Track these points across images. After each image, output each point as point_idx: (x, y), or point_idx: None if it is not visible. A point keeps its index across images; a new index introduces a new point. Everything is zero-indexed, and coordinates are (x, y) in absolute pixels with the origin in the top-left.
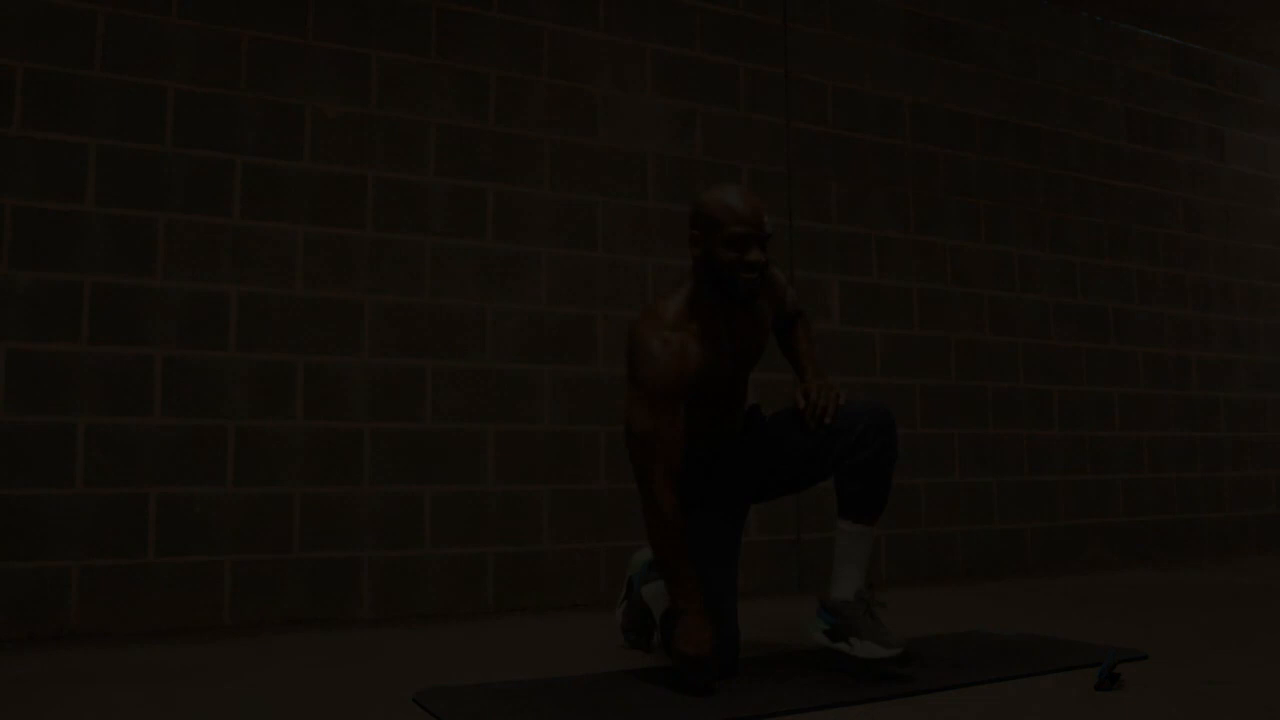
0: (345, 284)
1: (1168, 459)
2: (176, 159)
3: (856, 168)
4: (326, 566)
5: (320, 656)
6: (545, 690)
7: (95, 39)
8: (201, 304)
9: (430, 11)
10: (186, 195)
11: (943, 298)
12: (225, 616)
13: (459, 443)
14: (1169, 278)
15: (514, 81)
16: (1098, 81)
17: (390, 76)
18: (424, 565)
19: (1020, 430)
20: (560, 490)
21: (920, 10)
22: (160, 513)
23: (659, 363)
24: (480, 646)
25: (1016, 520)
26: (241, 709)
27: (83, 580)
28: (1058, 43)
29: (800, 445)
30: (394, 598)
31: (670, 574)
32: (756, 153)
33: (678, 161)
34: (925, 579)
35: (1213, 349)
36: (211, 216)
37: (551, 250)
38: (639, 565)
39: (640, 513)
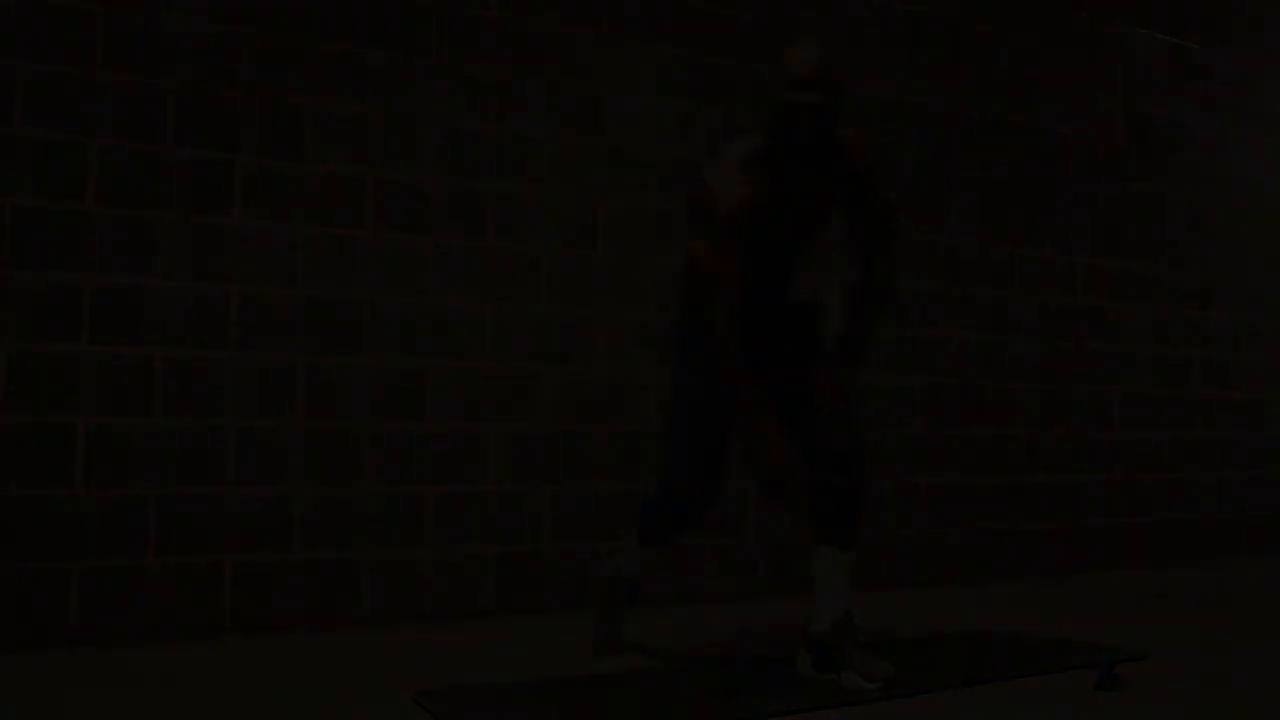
0: (345, 284)
1: (1168, 459)
2: (176, 159)
3: None
4: (326, 566)
5: (320, 657)
6: (545, 690)
7: (95, 39)
8: (201, 304)
9: (431, 11)
10: (186, 195)
11: (943, 298)
12: (225, 616)
13: (459, 443)
14: (1169, 278)
15: (514, 81)
16: (1098, 81)
17: (391, 76)
18: (424, 565)
19: (1020, 430)
20: (560, 490)
21: (920, 10)
22: (160, 513)
23: (719, 195)
24: (480, 646)
25: (1016, 520)
26: (241, 709)
27: (83, 580)
28: (1057, 43)
29: (792, 399)
30: (394, 598)
31: (739, 394)
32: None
33: (678, 162)
34: (925, 579)
35: (1213, 349)
36: (211, 216)
37: (552, 250)
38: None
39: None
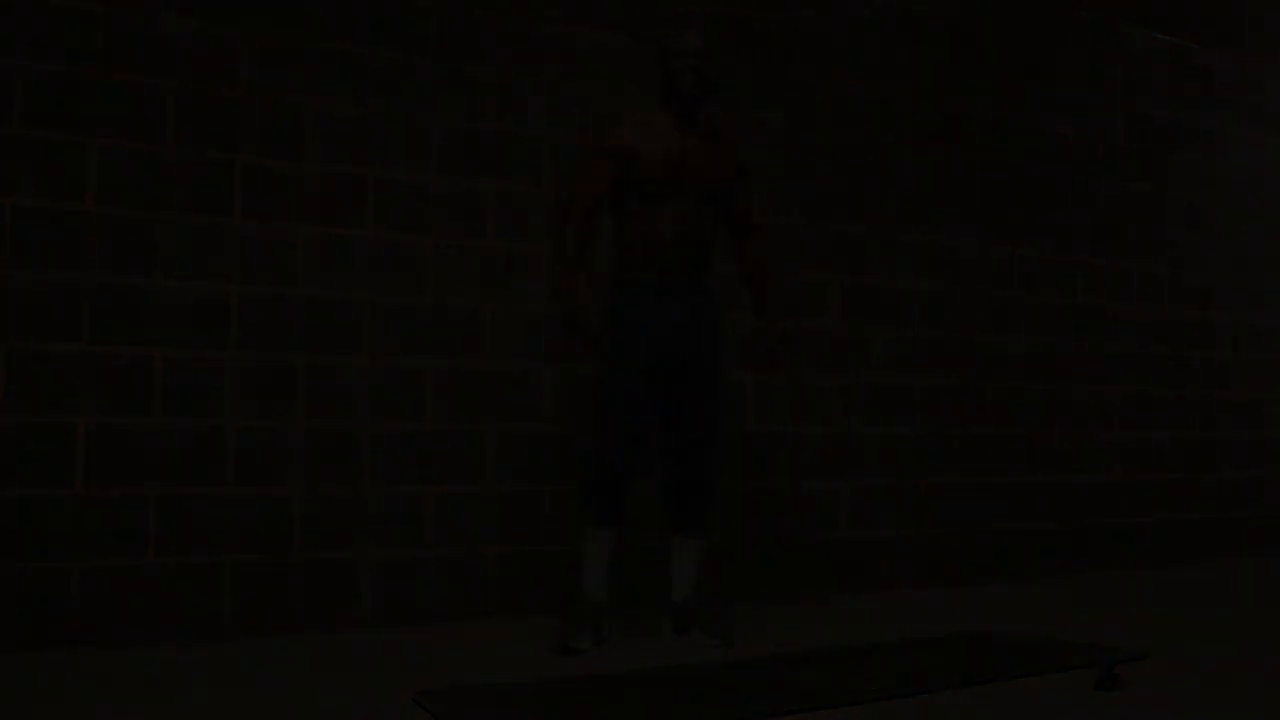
0: (345, 284)
1: (1168, 459)
2: (176, 159)
3: (856, 168)
4: (326, 566)
5: (320, 657)
6: (545, 690)
7: (95, 39)
8: (201, 304)
9: (431, 11)
10: (186, 195)
11: (943, 298)
12: (225, 616)
13: (459, 443)
14: (1169, 278)
15: (514, 81)
16: (1098, 81)
17: (390, 76)
18: (424, 565)
19: (1020, 430)
20: (560, 490)
21: (920, 10)
22: (160, 513)
23: (600, 137)
24: (480, 646)
25: (1016, 520)
26: (242, 710)
27: (83, 580)
28: (1057, 43)
29: (674, 395)
30: (394, 598)
31: (556, 273)
32: (757, 152)
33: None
34: (925, 579)
35: (1213, 349)
36: (211, 216)
37: (552, 250)
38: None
39: (643, 512)
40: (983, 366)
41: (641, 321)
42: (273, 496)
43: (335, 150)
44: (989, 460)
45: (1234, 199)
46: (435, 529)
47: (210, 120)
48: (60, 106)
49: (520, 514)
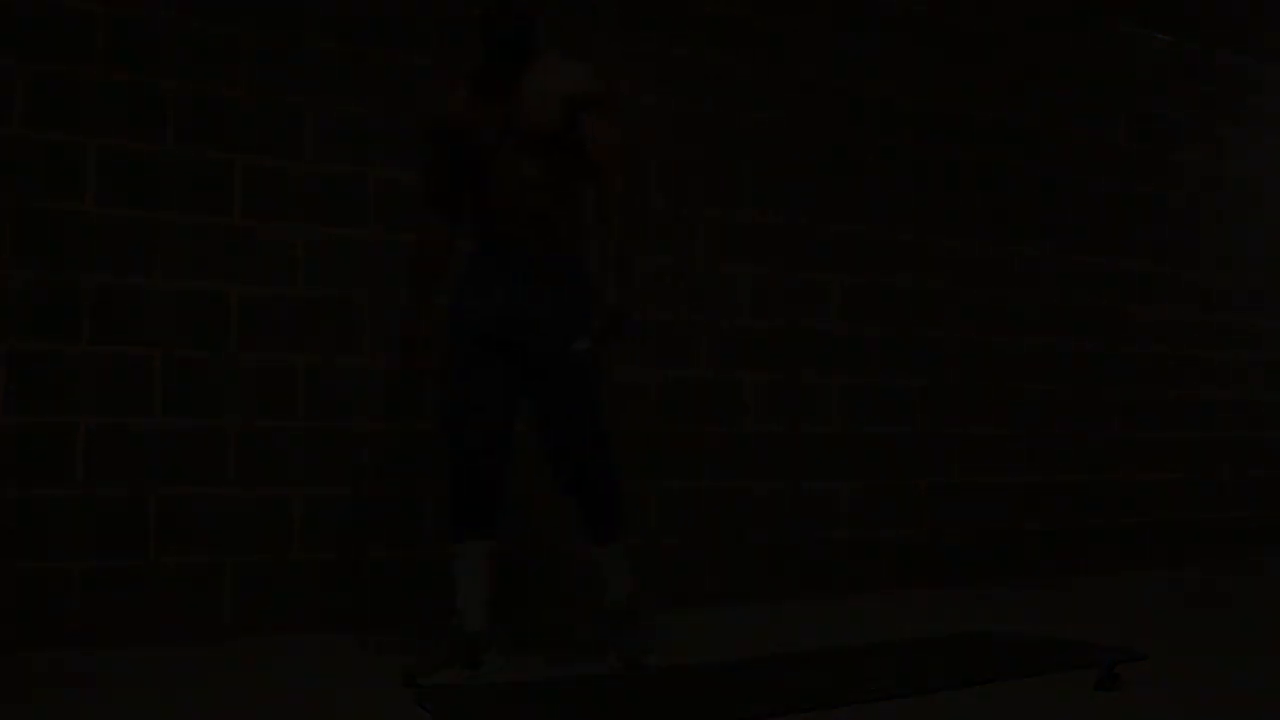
0: (345, 284)
1: (1168, 459)
2: (176, 159)
3: (857, 168)
4: (326, 566)
5: (320, 657)
6: (545, 690)
7: (95, 39)
8: (201, 304)
9: (430, 11)
10: (186, 195)
11: (942, 298)
12: (225, 616)
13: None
14: (1169, 278)
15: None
16: (1098, 81)
17: (390, 76)
18: (424, 566)
19: (1020, 430)
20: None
21: (920, 10)
22: (160, 513)
23: (421, 121)
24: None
25: (1016, 520)
26: (242, 710)
27: (83, 580)
28: (1058, 43)
29: (532, 390)
30: (394, 598)
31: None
32: (757, 152)
33: (678, 162)
34: (925, 580)
35: (1213, 349)
36: (211, 216)
37: None
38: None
39: (642, 510)
40: (983, 366)
41: (471, 305)
42: (273, 496)
43: (335, 150)
44: (989, 460)
45: (1234, 199)
46: (435, 530)
47: (210, 120)
48: (60, 106)
49: (520, 514)
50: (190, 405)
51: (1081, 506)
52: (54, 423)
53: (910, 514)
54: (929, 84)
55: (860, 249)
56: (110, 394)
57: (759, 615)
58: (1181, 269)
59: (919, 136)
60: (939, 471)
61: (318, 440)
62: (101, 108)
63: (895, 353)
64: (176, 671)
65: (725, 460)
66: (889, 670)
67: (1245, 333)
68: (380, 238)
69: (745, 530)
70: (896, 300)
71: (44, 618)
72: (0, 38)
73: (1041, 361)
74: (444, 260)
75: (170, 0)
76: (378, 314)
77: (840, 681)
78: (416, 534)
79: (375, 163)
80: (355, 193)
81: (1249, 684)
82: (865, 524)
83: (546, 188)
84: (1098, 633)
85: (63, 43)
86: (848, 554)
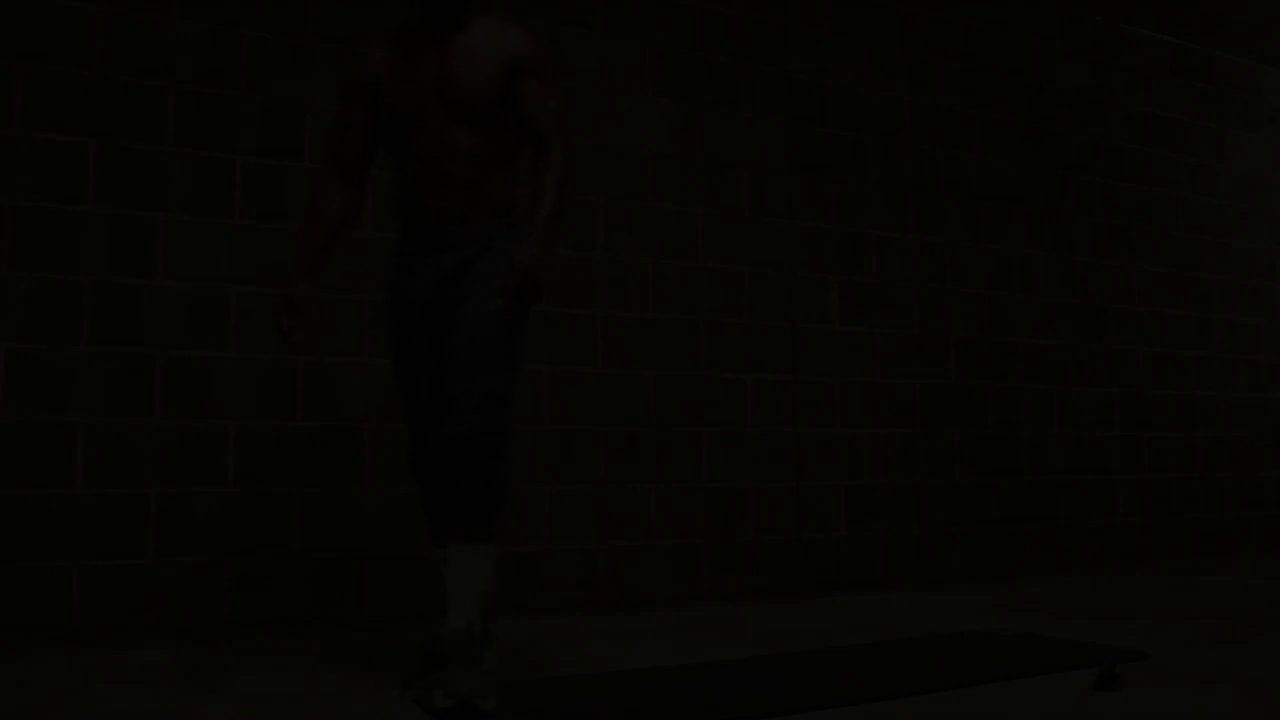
0: (345, 284)
1: (1168, 459)
2: (177, 159)
3: (856, 168)
4: (326, 566)
5: (320, 657)
6: (545, 690)
7: (95, 39)
8: (201, 304)
9: None
10: (186, 195)
11: (943, 298)
12: (225, 616)
13: None
14: (1169, 278)
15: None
16: (1098, 81)
17: None
18: (424, 565)
19: (1020, 430)
20: (560, 490)
21: (920, 10)
22: (160, 513)
23: (341, 79)
24: None
25: (1016, 520)
26: (242, 709)
27: (83, 580)
28: (1058, 43)
29: (448, 349)
30: (394, 598)
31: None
32: (756, 153)
33: (678, 161)
34: (925, 579)
35: (1213, 349)
36: (211, 216)
37: (552, 250)
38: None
39: (642, 510)
40: (983, 366)
41: (400, 286)
42: (273, 496)
43: None
44: (989, 460)
45: (1234, 199)
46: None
47: (210, 120)
48: (60, 106)
49: (520, 514)
50: (190, 405)
51: (1081, 506)
52: (54, 423)
53: (910, 514)
54: (928, 84)
55: (860, 249)
56: (110, 394)
57: (759, 614)
58: (1181, 269)
59: (918, 136)
60: (939, 471)
61: (318, 440)
62: (103, 108)
63: (895, 353)
64: (176, 671)
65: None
66: (889, 670)
67: (1245, 333)
68: (380, 237)
69: (744, 529)
70: (896, 300)
71: (44, 618)
72: (0, 38)
73: (1041, 361)
74: (339, 230)
75: (170, 0)
76: (378, 314)
77: (841, 681)
78: (417, 534)
79: (375, 162)
80: None
81: (1249, 684)
82: (865, 524)
83: (479, 158)
84: (1098, 632)
85: (63, 43)
86: (848, 554)
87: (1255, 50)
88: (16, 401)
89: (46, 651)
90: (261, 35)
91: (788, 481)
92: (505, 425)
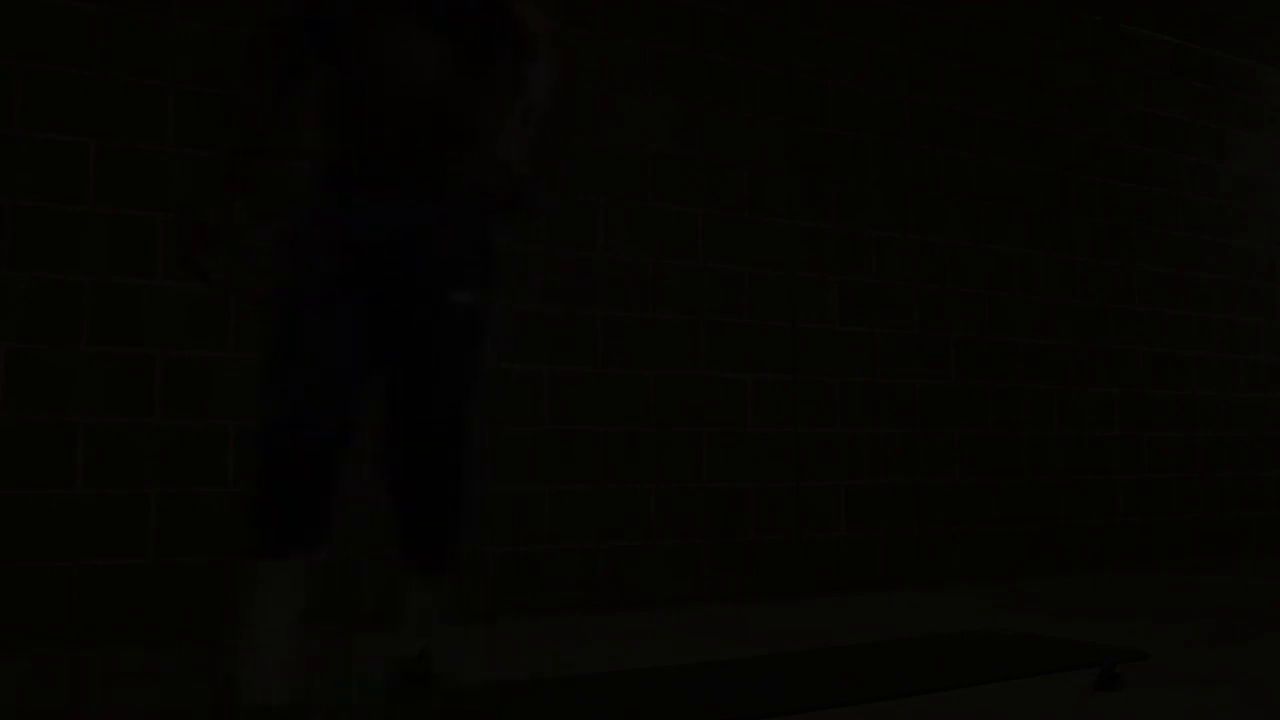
0: None
1: (1168, 459)
2: (176, 159)
3: (856, 168)
4: (327, 566)
5: (321, 656)
6: (544, 690)
7: (95, 39)
8: (201, 304)
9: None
10: (187, 195)
11: (943, 298)
12: (225, 616)
13: None
14: (1169, 278)
15: None
16: (1098, 81)
17: None
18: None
19: (1020, 430)
20: (560, 490)
21: (920, 10)
22: (160, 513)
23: None
24: (483, 646)
25: (1016, 520)
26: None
27: (83, 580)
28: (1058, 43)
29: (397, 354)
30: (394, 598)
31: (221, 165)
32: (756, 153)
33: (678, 161)
34: (925, 579)
35: (1213, 349)
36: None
37: (551, 250)
38: None
39: (642, 510)
40: (983, 366)
41: (333, 227)
42: None
43: None
44: (989, 460)
45: (1234, 199)
46: None
47: (210, 120)
48: (60, 106)
49: (520, 514)
50: (190, 405)
51: (1081, 506)
52: (54, 423)
53: (910, 514)
54: (928, 84)
55: (860, 249)
56: (110, 394)
57: (759, 614)
58: (1181, 269)
59: (918, 136)
60: (939, 471)
61: None
62: (101, 108)
63: (895, 353)
64: (176, 671)
65: (479, 459)
66: (889, 670)
67: (1245, 333)
68: None
69: (745, 528)
70: (896, 300)
71: (44, 618)
72: (0, 38)
73: (1041, 361)
74: (264, 146)
75: (170, 0)
76: None
77: (841, 681)
78: None
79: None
80: None
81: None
82: (865, 524)
83: (451, 76)
84: (1098, 632)
85: (63, 43)
86: (848, 554)
87: (1255, 50)
88: (16, 401)
89: (46, 651)
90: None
91: (788, 481)
92: (479, 460)
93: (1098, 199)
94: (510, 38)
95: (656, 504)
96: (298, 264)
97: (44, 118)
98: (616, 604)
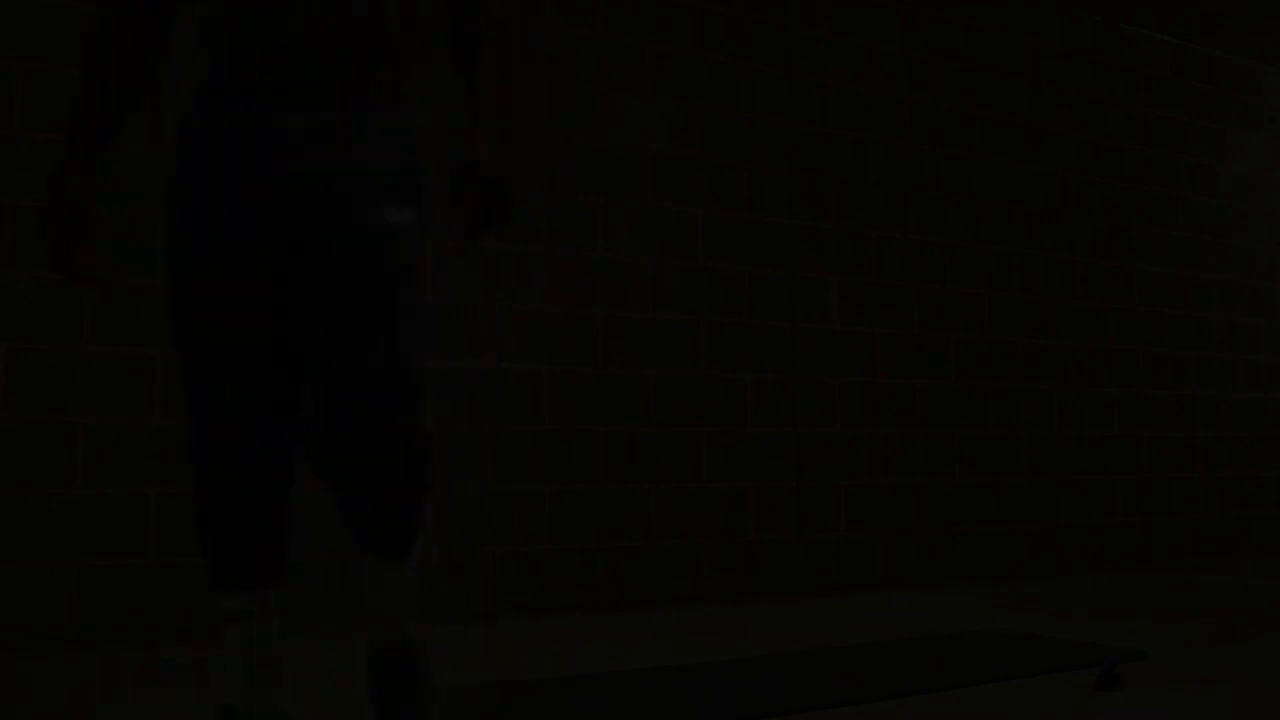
0: None
1: (1168, 459)
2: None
3: (856, 168)
4: (326, 567)
5: (320, 656)
6: (546, 690)
7: None
8: None
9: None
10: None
11: (943, 298)
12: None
13: (459, 443)
14: (1169, 278)
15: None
16: (1098, 81)
17: None
18: (425, 565)
19: (1020, 430)
20: (560, 490)
21: (920, 10)
22: (160, 513)
23: None
24: (482, 646)
25: (1016, 520)
26: None
27: (83, 580)
28: (1058, 43)
29: (326, 297)
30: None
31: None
32: (756, 153)
33: (678, 161)
34: (925, 579)
35: (1213, 349)
36: None
37: (551, 250)
38: None
39: (642, 510)
40: (983, 366)
41: (212, 165)
42: None
43: None
44: (989, 460)
45: (1234, 199)
46: (436, 529)
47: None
48: (60, 106)
49: (520, 514)
50: None
51: (1081, 506)
52: (54, 423)
53: (910, 514)
54: (928, 84)
55: (860, 249)
56: (110, 394)
57: (759, 614)
58: (1181, 269)
59: (918, 136)
60: (939, 471)
61: None
62: None
63: (895, 353)
64: (176, 671)
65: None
66: (889, 670)
67: (1245, 333)
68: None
69: (744, 528)
70: (896, 300)
71: (44, 618)
72: (0, 38)
73: (1041, 361)
74: (138, 93)
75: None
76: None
77: (841, 681)
78: None
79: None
80: None
81: (1249, 684)
82: (865, 524)
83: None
84: (1098, 632)
85: (63, 43)
86: (848, 554)
87: (1255, 50)
88: (16, 401)
89: (46, 651)
90: None
91: (788, 481)
92: (426, 424)
93: (1098, 199)
94: None
95: (656, 504)
96: (185, 229)
97: (44, 118)
98: (616, 604)
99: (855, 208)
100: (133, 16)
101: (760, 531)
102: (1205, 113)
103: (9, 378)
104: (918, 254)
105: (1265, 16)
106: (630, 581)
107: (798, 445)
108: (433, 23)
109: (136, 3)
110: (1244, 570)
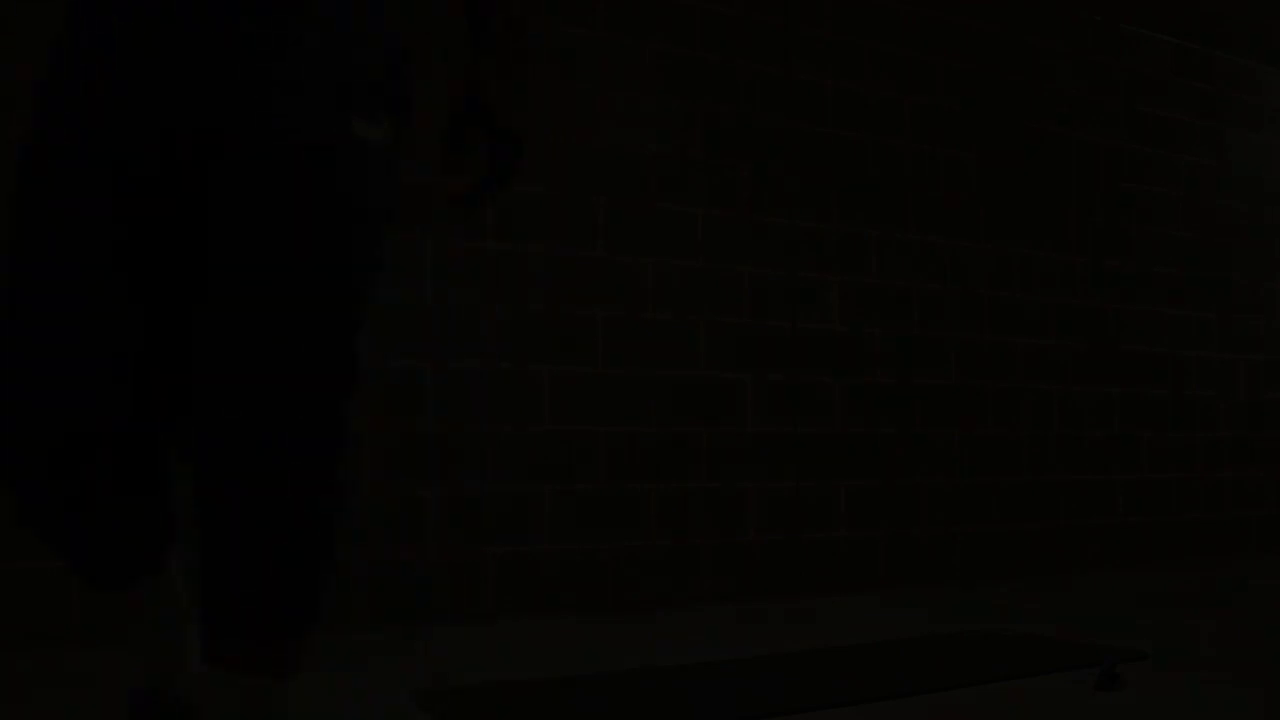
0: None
1: (1168, 459)
2: None
3: (855, 167)
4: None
5: (320, 657)
6: (545, 690)
7: None
8: None
9: (426, 8)
10: None
11: (943, 297)
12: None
13: (459, 442)
14: (1169, 278)
15: None
16: (1098, 81)
17: None
18: (426, 565)
19: (1020, 430)
20: (560, 490)
21: (920, 10)
22: None
23: None
24: (480, 646)
25: (1016, 520)
26: None
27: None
28: (1058, 43)
29: (229, 248)
30: (394, 598)
31: None
32: (756, 153)
33: (678, 162)
34: (925, 579)
35: (1213, 349)
36: None
37: (551, 250)
38: None
39: (642, 510)
40: (983, 366)
41: (93, 66)
42: None
43: None
44: (989, 460)
45: (1234, 199)
46: (435, 529)
47: None
48: None
49: (520, 514)
50: None
51: (1081, 506)
52: None
53: (909, 514)
54: (929, 83)
55: (860, 249)
56: None
57: (759, 614)
58: (1181, 269)
59: (918, 136)
60: (938, 472)
61: None
62: None
63: (895, 353)
64: None
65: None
66: (889, 670)
67: (1245, 333)
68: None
69: (745, 527)
70: (896, 300)
71: (44, 618)
72: (2, 38)
73: (1041, 361)
74: None
75: None
76: (377, 313)
77: (841, 681)
78: (419, 532)
79: None
80: None
81: (1249, 684)
82: (865, 524)
83: None
84: (1098, 632)
85: None
86: (848, 554)
87: (1255, 50)
88: None
89: (46, 651)
90: None
91: (788, 481)
92: (343, 445)
93: (1098, 199)
94: None
95: (656, 504)
96: (39, 124)
97: None
98: (616, 604)
99: (855, 208)
100: None
101: (760, 532)
102: (1205, 113)
103: None
104: (918, 254)
105: (1265, 16)
106: (630, 581)
107: (798, 445)
108: None
109: None
110: (1244, 570)
